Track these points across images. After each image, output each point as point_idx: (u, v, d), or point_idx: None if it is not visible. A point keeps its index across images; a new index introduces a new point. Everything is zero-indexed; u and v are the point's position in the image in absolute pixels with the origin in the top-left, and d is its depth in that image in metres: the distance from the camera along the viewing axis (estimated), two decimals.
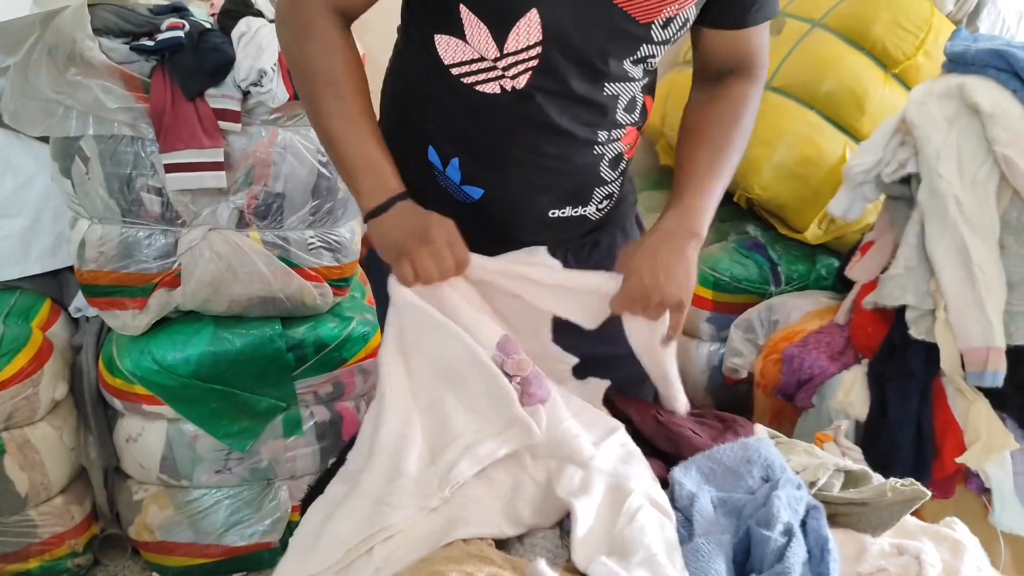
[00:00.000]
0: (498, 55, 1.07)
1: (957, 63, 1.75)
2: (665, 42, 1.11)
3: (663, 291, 1.09)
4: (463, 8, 1.05)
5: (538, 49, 1.06)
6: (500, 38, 1.05)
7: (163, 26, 1.66)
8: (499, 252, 1.19)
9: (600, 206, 1.24)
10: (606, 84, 1.13)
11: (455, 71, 1.10)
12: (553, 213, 1.20)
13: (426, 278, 1.10)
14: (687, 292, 1.11)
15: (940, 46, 1.97)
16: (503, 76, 1.09)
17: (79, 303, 2.00)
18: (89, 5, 1.65)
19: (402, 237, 1.09)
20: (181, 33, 1.63)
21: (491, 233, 1.20)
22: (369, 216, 1.12)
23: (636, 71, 1.14)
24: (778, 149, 2.18)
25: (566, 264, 1.21)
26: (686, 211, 1.12)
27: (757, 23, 1.16)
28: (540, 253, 1.18)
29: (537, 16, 1.03)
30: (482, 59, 1.08)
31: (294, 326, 1.92)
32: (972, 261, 1.60)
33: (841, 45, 2.23)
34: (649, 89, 1.21)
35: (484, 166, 1.17)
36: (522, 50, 1.06)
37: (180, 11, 1.73)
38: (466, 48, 1.08)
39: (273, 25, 1.71)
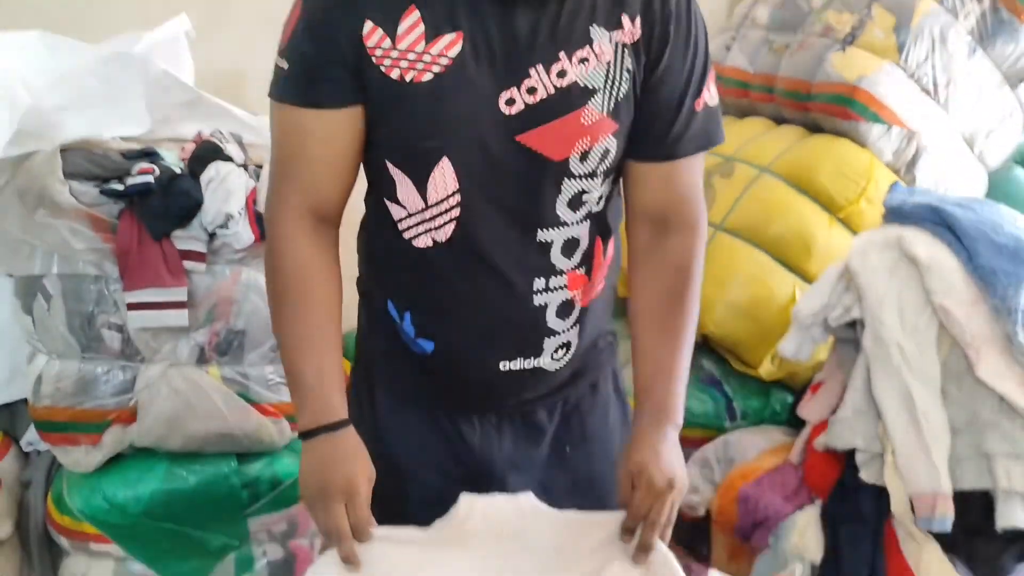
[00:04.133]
0: (423, 206, 1.10)
1: (895, 215, 1.84)
2: (590, 175, 1.11)
3: (674, 475, 1.09)
4: (389, 165, 1.10)
5: (456, 198, 1.09)
6: (422, 190, 1.09)
7: (134, 170, 1.71)
8: (466, 401, 1.21)
9: (556, 355, 1.21)
10: (539, 229, 1.12)
11: (400, 226, 1.13)
12: (504, 365, 1.18)
13: (325, 535, 1.10)
14: (685, 479, 1.12)
15: (881, 192, 2.08)
16: (433, 229, 1.11)
17: (31, 437, 1.96)
18: (62, 150, 1.69)
19: (311, 483, 1.09)
20: (151, 178, 1.68)
21: (449, 389, 1.21)
22: (301, 437, 1.12)
23: (572, 214, 1.13)
24: (730, 289, 2.25)
25: (534, 424, 1.23)
26: (661, 405, 1.13)
27: (689, 153, 1.14)
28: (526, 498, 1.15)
29: (449, 164, 1.07)
30: (416, 213, 1.11)
31: (250, 462, 1.91)
32: (916, 408, 1.64)
33: (788, 190, 2.33)
34: (601, 230, 1.19)
35: (431, 319, 1.18)
36: (442, 200, 1.09)
37: (151, 156, 1.78)
38: (402, 206, 1.12)
39: (241, 169, 1.77)
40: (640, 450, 1.10)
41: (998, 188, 2.49)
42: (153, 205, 1.66)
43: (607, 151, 1.10)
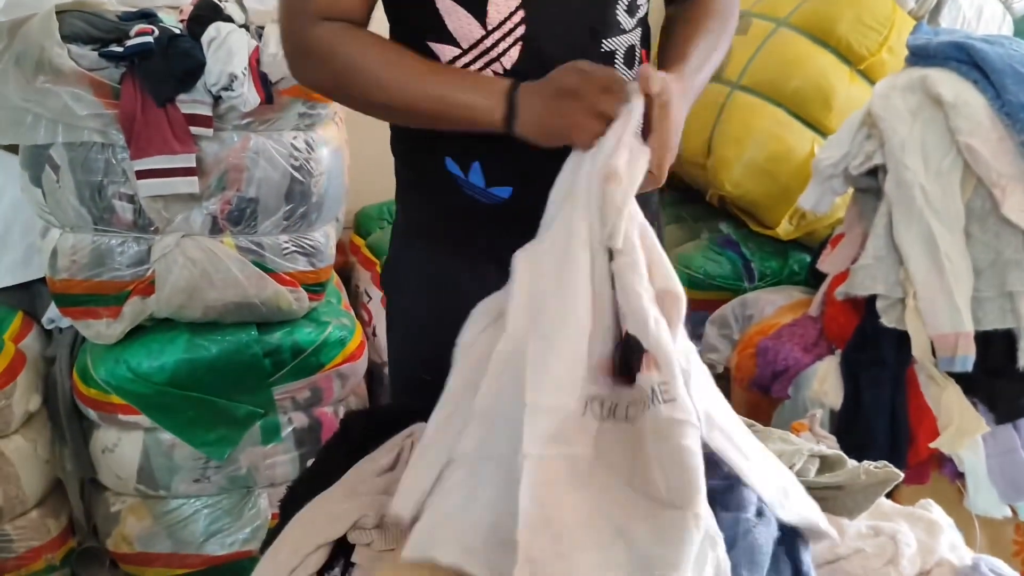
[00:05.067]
0: (484, 33, 1.04)
1: (919, 56, 1.78)
2: None
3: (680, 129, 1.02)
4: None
5: (520, 14, 1.03)
6: (480, 15, 1.03)
7: (132, 32, 1.66)
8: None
9: None
10: (603, 40, 1.08)
11: None
12: None
13: (599, 130, 0.98)
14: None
15: (903, 42, 2.00)
16: (496, 59, 1.05)
17: (52, 314, 1.98)
18: (57, 12, 1.64)
19: (548, 114, 0.99)
20: (150, 39, 1.63)
21: (527, 229, 1.14)
22: (508, 124, 1.03)
23: (628, 20, 1.10)
24: (748, 147, 2.21)
25: None
26: (680, 76, 1.04)
27: None
28: None
29: None
30: (472, 47, 1.05)
31: (270, 332, 1.91)
32: (939, 250, 1.62)
33: (807, 43, 2.26)
34: (645, 42, 1.16)
35: (505, 164, 1.12)
36: (505, 20, 1.03)
37: (149, 17, 1.73)
38: (454, 42, 1.05)
39: (242, 30, 1.72)
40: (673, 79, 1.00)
41: None
42: (154, 67, 1.62)
43: None
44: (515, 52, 1.05)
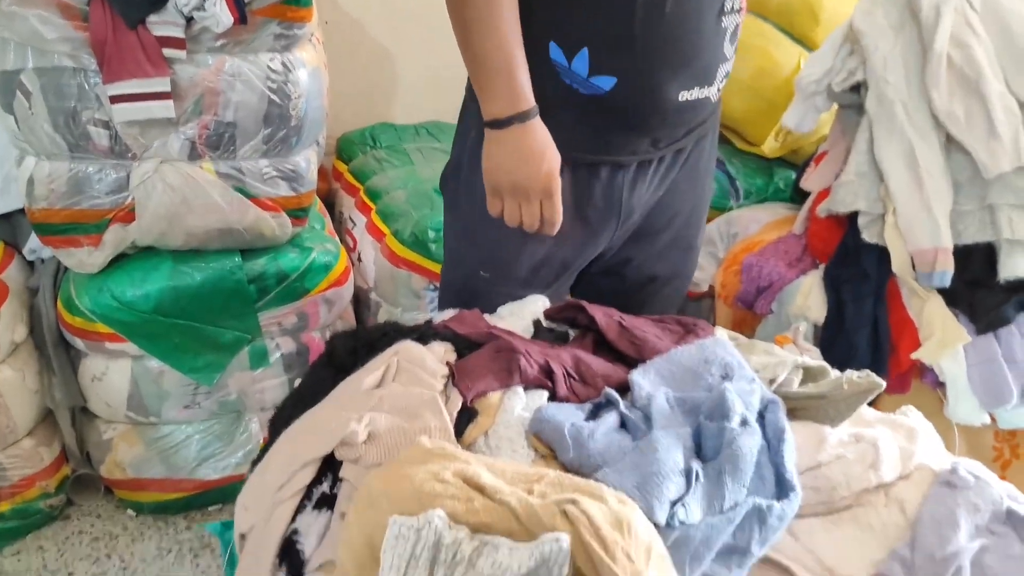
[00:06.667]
0: None
1: None
2: None
3: None
4: None
5: None
6: None
7: None
8: (629, 144, 1.23)
9: (720, 85, 1.26)
10: None
11: None
12: (682, 96, 1.19)
13: (509, 222, 1.15)
14: None
15: None
16: None
17: (33, 245, 1.96)
18: None
19: (506, 178, 1.10)
20: None
21: (621, 124, 1.19)
22: (488, 126, 1.10)
23: None
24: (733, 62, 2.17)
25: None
26: None
27: None
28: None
29: None
30: None
31: (254, 258, 1.90)
32: (919, 166, 1.62)
33: None
34: None
35: (616, 52, 1.14)
36: None
37: None
38: None
39: None
40: None
41: None
42: None
43: None
44: None
